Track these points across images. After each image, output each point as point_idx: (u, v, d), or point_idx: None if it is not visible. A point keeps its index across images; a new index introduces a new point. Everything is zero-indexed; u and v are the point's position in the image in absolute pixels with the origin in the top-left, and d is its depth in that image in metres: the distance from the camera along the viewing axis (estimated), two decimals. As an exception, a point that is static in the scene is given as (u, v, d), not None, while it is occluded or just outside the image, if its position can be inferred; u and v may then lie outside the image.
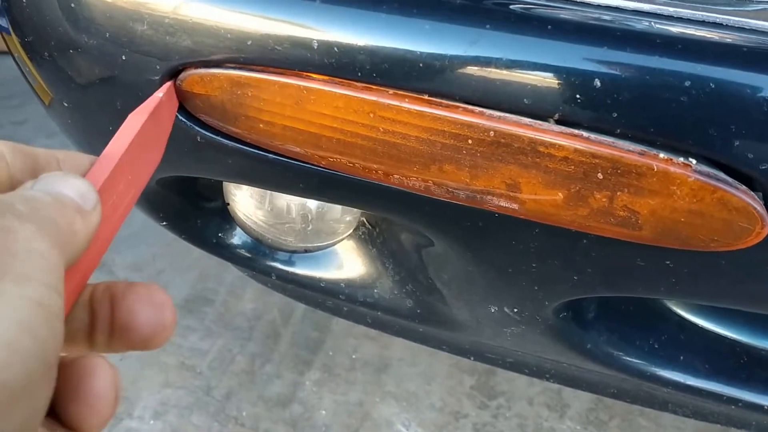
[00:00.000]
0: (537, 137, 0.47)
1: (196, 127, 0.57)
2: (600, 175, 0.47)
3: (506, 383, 1.39)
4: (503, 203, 0.51)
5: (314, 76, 0.51)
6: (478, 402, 1.35)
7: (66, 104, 0.66)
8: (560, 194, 0.49)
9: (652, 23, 0.46)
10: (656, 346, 0.74)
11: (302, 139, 0.53)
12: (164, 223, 0.76)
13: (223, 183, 0.79)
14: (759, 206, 0.46)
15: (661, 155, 0.46)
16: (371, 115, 0.50)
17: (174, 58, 0.53)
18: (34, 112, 2.19)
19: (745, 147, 0.45)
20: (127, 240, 1.63)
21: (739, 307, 0.59)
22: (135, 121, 0.42)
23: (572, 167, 0.47)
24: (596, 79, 0.46)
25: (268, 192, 0.80)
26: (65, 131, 0.76)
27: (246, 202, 0.81)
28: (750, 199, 0.46)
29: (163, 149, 0.47)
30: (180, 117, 0.57)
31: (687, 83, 0.44)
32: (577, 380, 0.82)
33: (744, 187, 0.46)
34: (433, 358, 1.42)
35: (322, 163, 0.55)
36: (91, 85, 0.61)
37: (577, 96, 0.46)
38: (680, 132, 0.46)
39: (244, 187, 0.81)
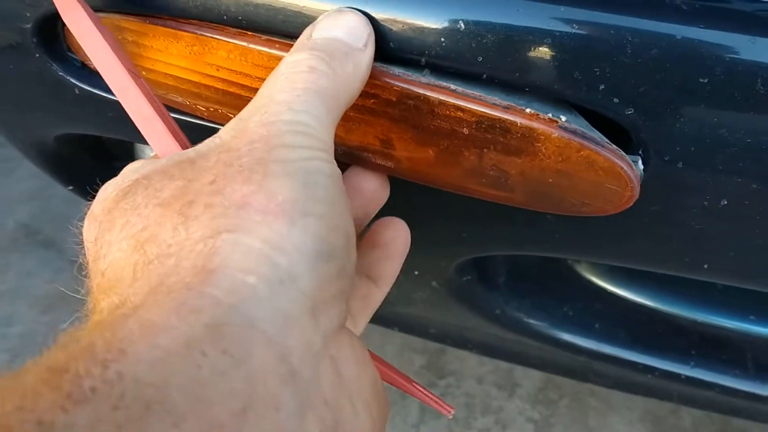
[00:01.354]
0: (404, 88, 0.45)
1: (73, 79, 0.55)
2: (466, 130, 0.45)
3: (457, 362, 1.38)
4: (380, 161, 0.50)
5: (190, 21, 0.49)
6: (427, 380, 1.34)
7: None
8: (431, 151, 0.47)
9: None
10: (570, 314, 0.73)
11: (184, 89, 0.52)
12: (70, 187, 0.75)
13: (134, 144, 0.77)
14: (627, 167, 0.44)
15: (528, 110, 0.44)
16: (244, 61, 0.48)
17: (43, 3, 0.51)
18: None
19: (610, 92, 0.44)
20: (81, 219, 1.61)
21: (629, 265, 0.58)
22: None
23: (439, 121, 0.45)
24: (460, 22, 0.44)
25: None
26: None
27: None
28: (617, 159, 0.44)
29: None
30: (58, 69, 0.55)
31: (549, 25, 0.43)
32: (497, 350, 0.80)
33: (613, 146, 0.44)
34: (385, 337, 1.41)
35: (205, 114, 0.53)
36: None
37: (442, 40, 0.45)
38: (544, 77, 0.44)
39: (148, 150, 0.79)
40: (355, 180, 0.49)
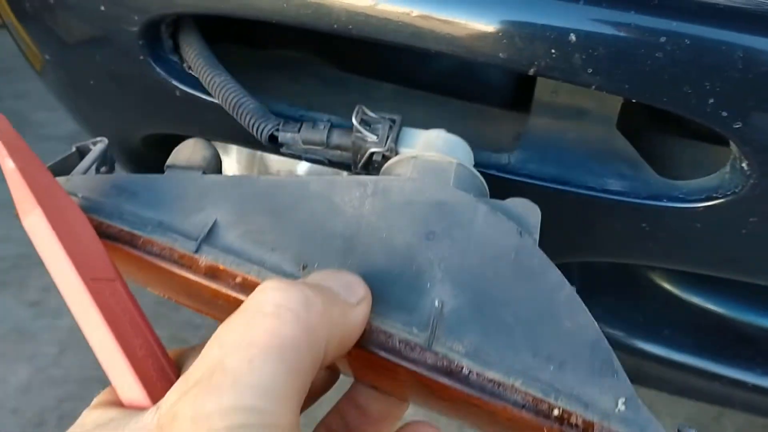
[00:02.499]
0: (409, 369, 0.35)
1: (174, 81, 0.57)
2: (497, 416, 0.35)
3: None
4: (395, 395, 0.42)
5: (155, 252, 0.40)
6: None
7: (52, 62, 0.66)
8: (454, 407, 0.39)
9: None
10: (641, 320, 0.74)
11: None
12: (148, 185, 0.76)
13: (209, 147, 0.79)
14: None
15: (556, 411, 0.34)
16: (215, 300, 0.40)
17: (152, 8, 0.53)
18: (35, 86, 2.19)
19: (719, 106, 0.44)
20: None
21: (721, 274, 0.58)
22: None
23: (455, 399, 0.36)
24: (572, 35, 0.45)
25: (257, 157, 0.79)
26: (58, 97, 0.76)
27: (233, 167, 0.81)
28: None
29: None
30: (158, 69, 0.57)
31: (662, 39, 0.44)
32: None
33: None
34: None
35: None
36: (72, 38, 0.60)
37: (552, 51, 0.46)
38: (654, 89, 0.45)
39: (232, 153, 0.81)
40: (361, 399, 0.41)
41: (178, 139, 0.73)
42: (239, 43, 0.70)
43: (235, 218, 0.40)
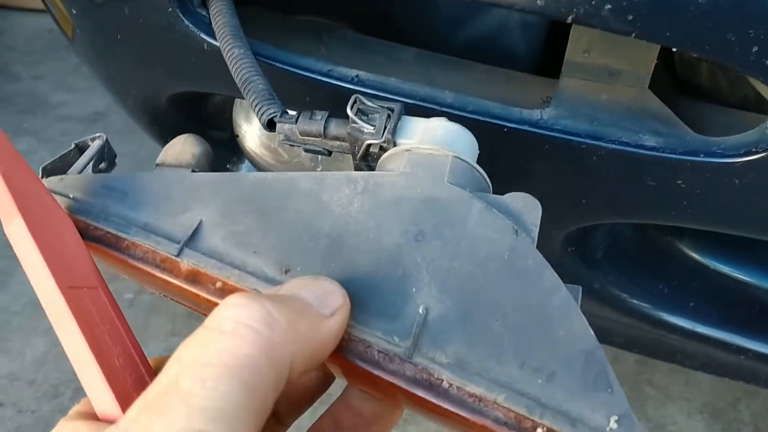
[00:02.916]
0: (388, 381, 0.34)
1: (202, 35, 0.56)
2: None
3: (514, 347, 1.38)
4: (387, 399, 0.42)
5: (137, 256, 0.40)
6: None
7: (80, 17, 0.66)
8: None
9: None
10: (666, 291, 0.73)
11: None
12: (171, 148, 0.76)
13: (233, 115, 0.78)
14: None
15: (539, 430, 0.32)
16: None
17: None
18: (54, 68, 2.21)
19: (764, 54, 0.43)
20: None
21: (748, 233, 0.57)
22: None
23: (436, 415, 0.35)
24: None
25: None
26: (88, 65, 0.76)
27: (255, 135, 0.81)
28: None
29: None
30: (186, 22, 0.56)
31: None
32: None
33: None
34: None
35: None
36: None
37: (592, -2, 0.45)
38: (697, 35, 0.44)
39: (254, 121, 0.80)
40: (354, 401, 0.40)
41: (202, 99, 0.73)
42: (267, 6, 0.69)
43: (221, 218, 0.39)
